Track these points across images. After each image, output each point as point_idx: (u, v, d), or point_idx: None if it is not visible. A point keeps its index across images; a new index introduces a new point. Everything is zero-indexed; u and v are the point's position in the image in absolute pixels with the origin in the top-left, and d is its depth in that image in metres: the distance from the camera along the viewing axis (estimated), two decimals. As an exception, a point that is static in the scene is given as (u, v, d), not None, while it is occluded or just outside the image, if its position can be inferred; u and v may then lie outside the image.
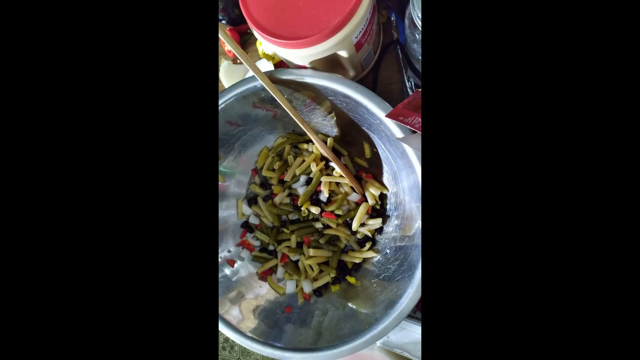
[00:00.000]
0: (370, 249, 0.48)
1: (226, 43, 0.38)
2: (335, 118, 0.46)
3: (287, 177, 0.50)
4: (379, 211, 0.48)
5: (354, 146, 0.48)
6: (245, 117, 0.46)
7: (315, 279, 0.49)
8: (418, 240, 0.40)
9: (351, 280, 0.48)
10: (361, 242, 0.49)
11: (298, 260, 0.50)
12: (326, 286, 0.49)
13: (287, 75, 0.41)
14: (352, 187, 0.48)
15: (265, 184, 0.53)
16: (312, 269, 0.49)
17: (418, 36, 0.40)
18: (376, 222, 0.47)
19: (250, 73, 0.49)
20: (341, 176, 0.47)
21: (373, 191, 0.47)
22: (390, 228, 0.47)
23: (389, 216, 0.48)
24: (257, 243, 0.52)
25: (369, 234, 0.48)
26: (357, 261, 0.48)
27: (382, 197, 0.48)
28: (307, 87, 0.41)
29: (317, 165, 0.48)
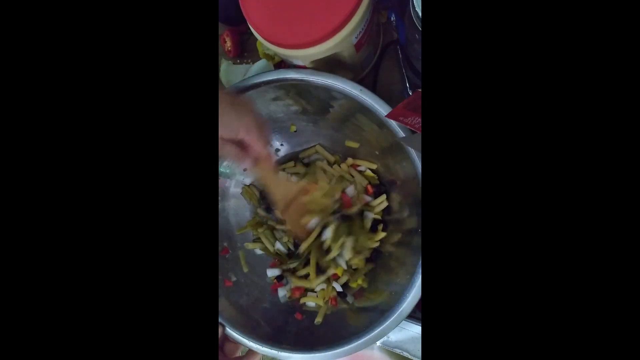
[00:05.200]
0: (383, 230, 0.48)
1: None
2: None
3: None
4: (380, 187, 0.48)
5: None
6: (245, 118, 0.46)
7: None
8: (418, 241, 0.40)
9: (359, 280, 0.47)
10: (373, 227, 0.48)
11: None
12: (345, 285, 0.48)
13: (287, 75, 0.41)
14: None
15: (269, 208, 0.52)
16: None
17: (418, 36, 0.40)
18: (381, 200, 0.47)
19: (250, 73, 0.50)
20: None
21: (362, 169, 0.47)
22: (395, 204, 0.47)
23: (387, 190, 0.48)
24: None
25: (379, 217, 0.48)
26: (374, 245, 0.47)
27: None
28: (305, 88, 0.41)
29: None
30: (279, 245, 0.50)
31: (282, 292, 0.49)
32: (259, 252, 0.52)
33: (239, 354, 0.43)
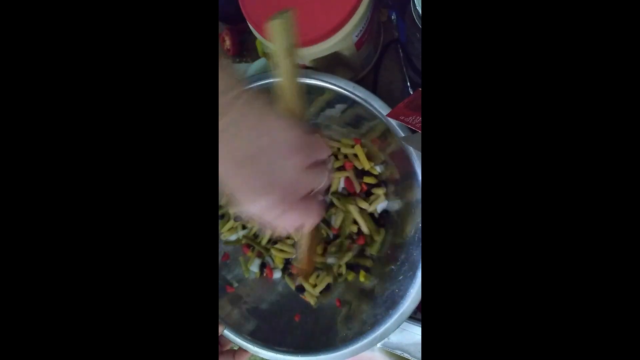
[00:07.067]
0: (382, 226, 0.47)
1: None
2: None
3: None
4: (378, 180, 0.47)
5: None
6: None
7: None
8: (419, 240, 0.40)
9: (361, 276, 0.47)
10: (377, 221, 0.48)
11: None
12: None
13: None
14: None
15: None
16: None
17: (419, 35, 0.39)
18: (379, 192, 0.46)
19: (250, 72, 0.49)
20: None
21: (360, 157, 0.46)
22: (395, 206, 0.47)
23: (385, 184, 0.47)
24: None
25: (376, 215, 0.47)
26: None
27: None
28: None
29: None
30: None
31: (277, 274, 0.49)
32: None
33: (232, 345, 0.43)
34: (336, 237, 0.48)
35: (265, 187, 0.26)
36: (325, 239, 0.49)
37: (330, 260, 0.47)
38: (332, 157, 0.47)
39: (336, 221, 0.47)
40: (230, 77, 0.26)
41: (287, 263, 0.49)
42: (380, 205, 0.47)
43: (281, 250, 0.48)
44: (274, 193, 0.26)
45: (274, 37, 0.29)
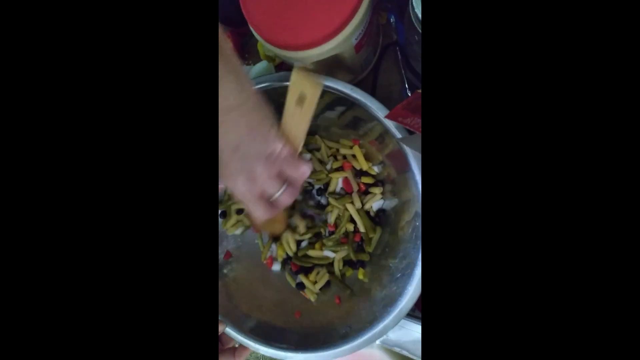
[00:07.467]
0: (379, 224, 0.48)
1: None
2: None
3: None
4: (375, 180, 0.48)
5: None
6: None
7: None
8: (418, 239, 0.41)
9: (360, 274, 0.48)
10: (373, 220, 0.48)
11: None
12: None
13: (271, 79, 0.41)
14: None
15: None
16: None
17: (417, 37, 0.40)
18: (376, 191, 0.47)
19: (251, 74, 0.50)
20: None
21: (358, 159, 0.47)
22: (392, 204, 0.47)
23: (382, 183, 0.48)
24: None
25: (372, 214, 0.48)
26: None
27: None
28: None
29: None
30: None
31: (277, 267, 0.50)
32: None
33: (233, 344, 0.44)
34: (332, 233, 0.48)
35: (240, 171, 0.33)
36: (322, 235, 0.50)
37: (327, 253, 0.48)
38: (303, 184, 0.49)
39: (331, 218, 0.48)
40: (242, 77, 0.31)
41: (288, 259, 0.49)
42: (376, 203, 0.47)
43: (287, 244, 0.49)
44: (245, 181, 0.33)
45: (293, 82, 0.34)
